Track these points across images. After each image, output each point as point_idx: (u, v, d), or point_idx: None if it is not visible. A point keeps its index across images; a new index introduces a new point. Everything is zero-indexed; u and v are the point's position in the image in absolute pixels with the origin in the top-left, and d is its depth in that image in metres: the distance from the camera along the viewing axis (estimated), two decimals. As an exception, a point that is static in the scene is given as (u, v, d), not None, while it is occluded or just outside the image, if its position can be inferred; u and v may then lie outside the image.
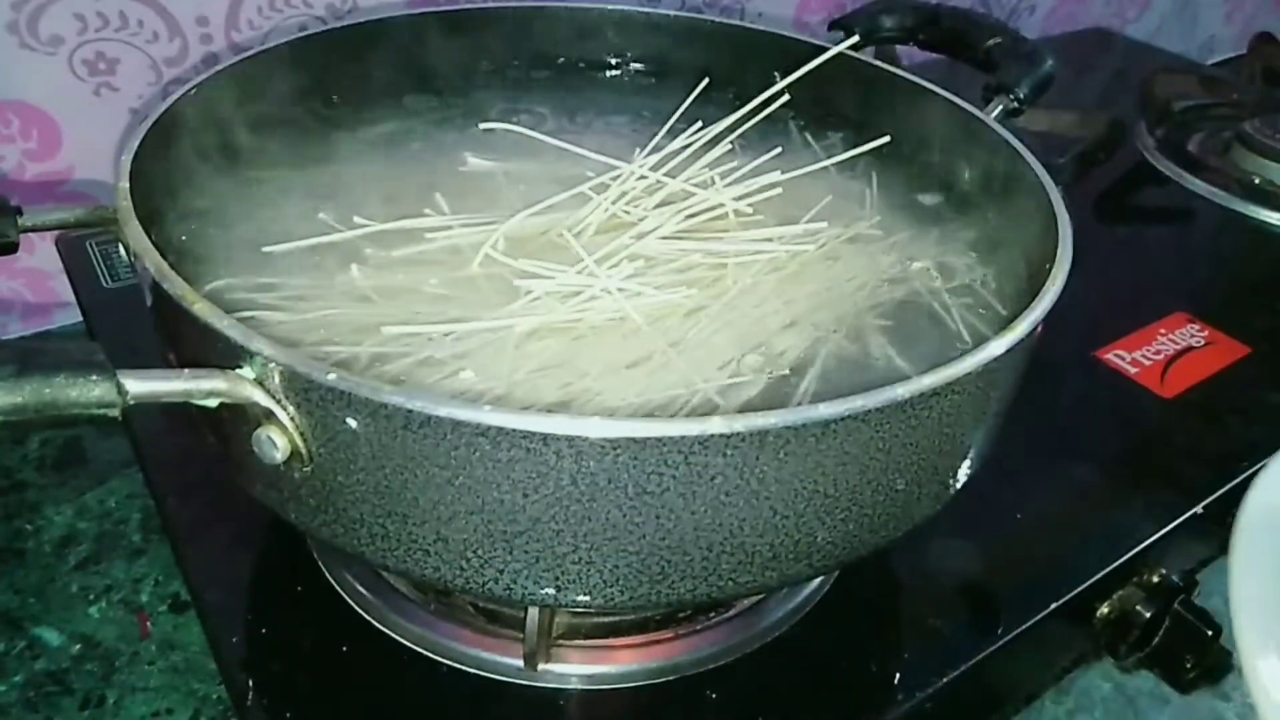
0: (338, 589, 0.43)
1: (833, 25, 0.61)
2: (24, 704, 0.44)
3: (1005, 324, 0.33)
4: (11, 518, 0.53)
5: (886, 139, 0.48)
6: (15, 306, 0.66)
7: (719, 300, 0.40)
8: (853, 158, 0.50)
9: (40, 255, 0.64)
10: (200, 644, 0.47)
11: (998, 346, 0.32)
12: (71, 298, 0.60)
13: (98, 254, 0.61)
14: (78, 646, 0.47)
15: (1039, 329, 0.34)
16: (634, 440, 0.28)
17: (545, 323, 0.37)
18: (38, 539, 0.52)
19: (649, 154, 0.46)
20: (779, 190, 0.45)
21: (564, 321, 0.37)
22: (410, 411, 0.27)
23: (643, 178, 0.45)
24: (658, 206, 0.44)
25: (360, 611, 0.42)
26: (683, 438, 0.28)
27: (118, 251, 0.61)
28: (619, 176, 0.45)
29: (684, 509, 0.29)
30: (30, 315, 0.67)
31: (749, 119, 0.49)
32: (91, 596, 0.49)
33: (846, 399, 0.29)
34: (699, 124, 0.49)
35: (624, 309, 0.38)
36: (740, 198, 0.44)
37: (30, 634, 0.47)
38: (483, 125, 0.50)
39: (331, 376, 0.28)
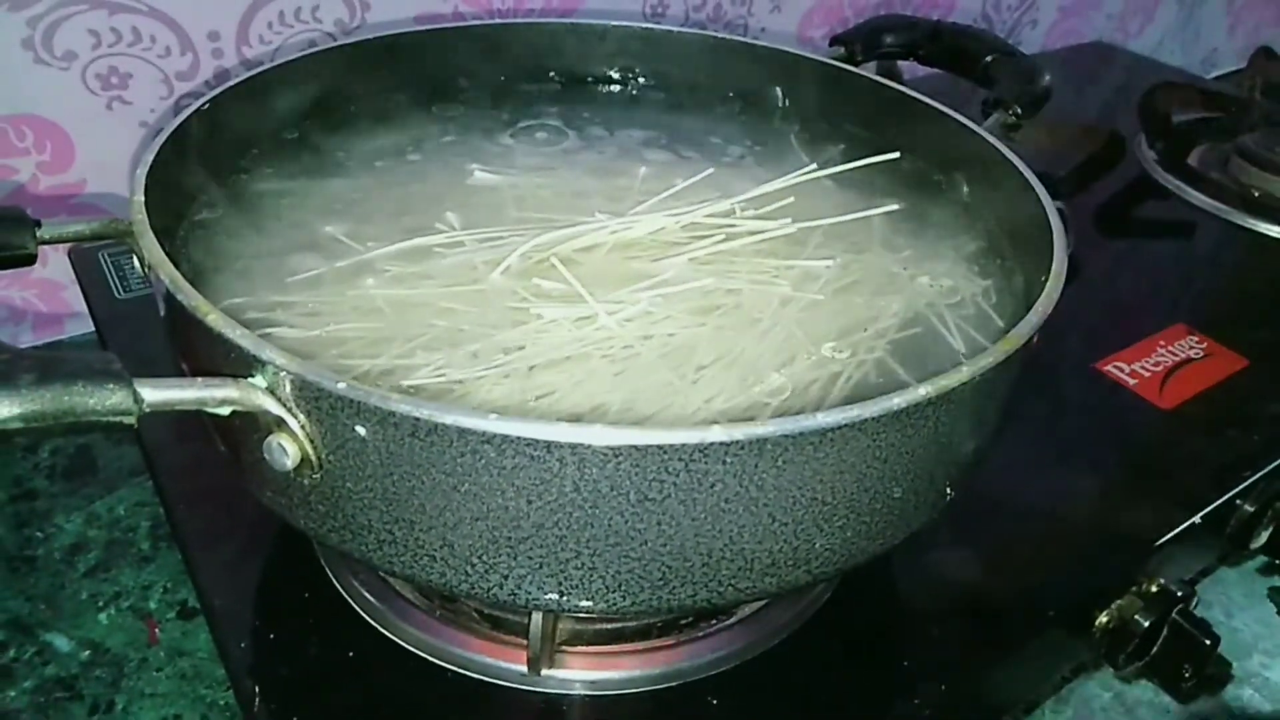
0: (344, 595, 0.43)
1: (834, 41, 0.62)
2: (34, 709, 0.45)
3: (1001, 335, 0.34)
4: (22, 525, 0.54)
5: (896, 206, 0.48)
6: (28, 316, 0.67)
7: (735, 329, 0.40)
8: (855, 171, 0.51)
9: (53, 266, 0.65)
10: (208, 650, 0.47)
11: (993, 357, 0.32)
12: (83, 308, 0.61)
13: (110, 265, 0.62)
14: (87, 653, 0.47)
15: (1034, 340, 0.35)
16: (636, 448, 0.28)
17: (556, 357, 0.37)
18: (48, 546, 0.53)
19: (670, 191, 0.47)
20: (792, 229, 0.45)
21: (577, 349, 0.38)
22: (417, 419, 0.28)
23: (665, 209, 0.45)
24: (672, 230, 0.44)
25: (366, 617, 0.42)
26: (683, 446, 0.28)
27: (130, 262, 0.62)
28: (635, 203, 0.46)
29: (685, 516, 0.30)
30: (42, 325, 0.67)
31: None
32: (101, 603, 0.50)
33: (843, 408, 0.29)
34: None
35: (636, 346, 0.38)
36: (756, 233, 0.44)
37: (40, 640, 0.48)
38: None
39: (341, 385, 0.28)
